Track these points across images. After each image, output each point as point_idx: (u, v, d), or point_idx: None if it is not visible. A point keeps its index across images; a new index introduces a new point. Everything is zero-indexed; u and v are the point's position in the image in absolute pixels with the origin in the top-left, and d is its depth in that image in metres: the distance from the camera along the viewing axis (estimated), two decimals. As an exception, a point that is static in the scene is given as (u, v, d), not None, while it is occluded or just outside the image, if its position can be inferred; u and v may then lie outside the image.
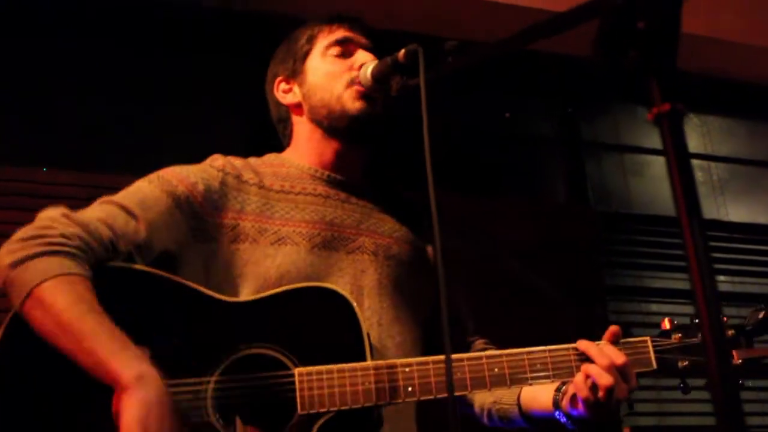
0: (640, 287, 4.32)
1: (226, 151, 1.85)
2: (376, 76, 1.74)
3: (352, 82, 1.80)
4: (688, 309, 4.15)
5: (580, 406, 1.56)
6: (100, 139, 3.59)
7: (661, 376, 1.62)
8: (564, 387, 1.64)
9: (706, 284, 0.87)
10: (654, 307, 4.29)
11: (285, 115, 1.93)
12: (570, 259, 3.94)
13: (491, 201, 4.04)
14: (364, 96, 1.79)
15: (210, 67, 3.93)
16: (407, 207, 1.94)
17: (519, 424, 1.76)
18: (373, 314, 1.70)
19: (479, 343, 1.91)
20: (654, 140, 4.65)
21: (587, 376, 1.54)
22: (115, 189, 1.70)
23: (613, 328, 1.63)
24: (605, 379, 1.51)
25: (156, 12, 3.83)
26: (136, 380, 1.32)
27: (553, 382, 1.60)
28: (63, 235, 1.47)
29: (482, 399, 1.84)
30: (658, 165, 4.66)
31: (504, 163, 4.37)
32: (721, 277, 4.44)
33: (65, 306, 1.38)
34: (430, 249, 1.92)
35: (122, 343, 1.38)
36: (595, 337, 1.65)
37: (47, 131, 3.54)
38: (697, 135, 4.79)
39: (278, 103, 1.93)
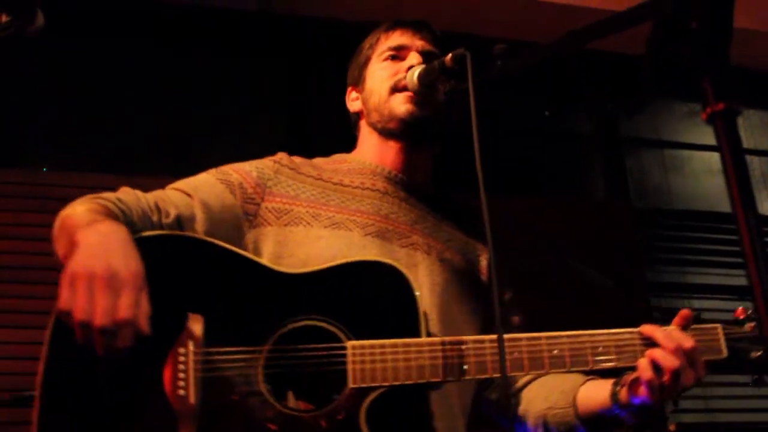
0: (682, 283, 4.29)
1: (266, 154, 1.88)
2: (423, 80, 1.75)
3: (396, 85, 1.82)
4: (732, 305, 4.10)
5: (643, 391, 1.48)
6: (142, 143, 3.66)
7: (732, 367, 1.54)
8: (622, 379, 1.59)
9: (764, 277, 0.88)
10: (696, 303, 4.25)
11: (355, 121, 1.99)
12: (611, 255, 3.92)
13: (531, 198, 4.05)
14: (412, 99, 1.80)
15: (252, 70, 4.00)
16: (467, 216, 1.93)
17: (577, 429, 1.68)
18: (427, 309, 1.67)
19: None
20: (693, 136, 4.61)
21: (652, 360, 1.47)
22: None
23: (684, 312, 1.56)
24: (671, 362, 1.45)
25: (198, 16, 3.91)
26: (88, 225, 1.38)
27: (615, 366, 1.52)
28: (108, 194, 1.57)
29: (536, 410, 1.76)
30: (697, 160, 4.62)
31: (544, 161, 4.37)
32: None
33: (74, 213, 1.47)
34: (483, 263, 1.89)
35: (96, 216, 1.44)
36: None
37: (90, 136, 3.62)
38: (737, 130, 4.72)
39: (350, 112, 2.00)
